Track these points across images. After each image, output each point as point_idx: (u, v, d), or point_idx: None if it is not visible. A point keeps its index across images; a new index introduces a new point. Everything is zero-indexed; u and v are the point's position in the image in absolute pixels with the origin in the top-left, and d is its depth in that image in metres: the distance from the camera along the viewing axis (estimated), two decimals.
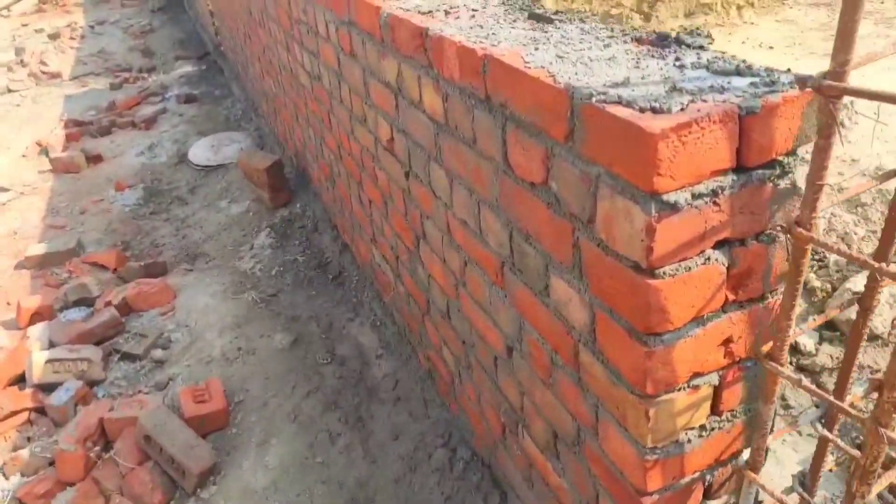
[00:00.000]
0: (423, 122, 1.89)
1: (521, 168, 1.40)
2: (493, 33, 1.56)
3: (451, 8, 1.83)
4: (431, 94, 1.77)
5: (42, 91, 8.18)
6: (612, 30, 1.47)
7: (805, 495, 1.32)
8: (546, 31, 1.54)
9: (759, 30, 7.02)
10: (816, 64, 5.98)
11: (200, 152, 5.45)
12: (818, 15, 7.13)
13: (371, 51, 2.16)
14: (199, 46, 9.28)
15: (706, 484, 1.33)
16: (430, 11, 1.82)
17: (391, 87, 2.08)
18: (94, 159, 5.68)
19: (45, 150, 5.95)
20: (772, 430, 1.22)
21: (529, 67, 1.27)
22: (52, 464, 2.61)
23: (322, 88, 3.07)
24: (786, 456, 2.05)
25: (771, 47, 6.11)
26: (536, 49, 1.39)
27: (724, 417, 1.27)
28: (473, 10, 1.80)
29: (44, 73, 8.77)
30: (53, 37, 10.80)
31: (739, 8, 7.31)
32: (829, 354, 2.34)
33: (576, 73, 1.22)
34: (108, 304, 3.45)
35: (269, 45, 4.19)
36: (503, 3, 1.86)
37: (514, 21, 1.66)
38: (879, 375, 1.17)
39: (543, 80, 1.21)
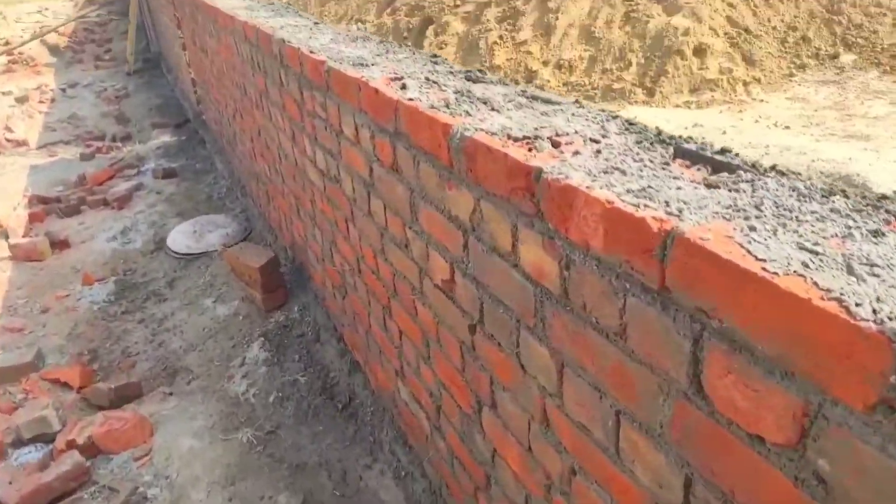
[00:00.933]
0: (515, 281, 1.41)
1: (731, 404, 0.91)
2: (649, 186, 1.09)
3: (559, 135, 1.37)
4: (537, 253, 1.29)
5: (5, 161, 7.59)
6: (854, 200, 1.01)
7: None
8: (732, 189, 1.07)
9: (771, 107, 6.84)
10: (838, 147, 5.78)
11: (180, 238, 4.90)
12: (829, 92, 6.98)
13: (428, 173, 1.69)
14: (178, 113, 8.82)
15: None
16: (527, 138, 1.36)
17: (458, 224, 1.61)
18: (60, 245, 5.09)
19: (4, 233, 5.34)
20: None
21: (811, 292, 0.80)
22: None
23: (340, 192, 2.59)
24: None
25: (787, 127, 5.88)
26: (753, 230, 0.92)
27: None
28: (593, 140, 1.34)
29: (8, 140, 8.19)
30: (21, 100, 10.26)
31: (746, 84, 7.13)
32: None
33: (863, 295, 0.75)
34: (72, 443, 2.84)
35: (267, 129, 3.73)
36: (625, 129, 1.40)
37: (664, 164, 1.20)
38: None
39: (837, 317, 0.73)
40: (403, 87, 1.85)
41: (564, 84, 7.70)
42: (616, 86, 7.31)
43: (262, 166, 4.32)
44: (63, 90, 10.96)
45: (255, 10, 3.92)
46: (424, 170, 1.72)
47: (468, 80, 1.90)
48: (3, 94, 10.95)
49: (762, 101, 7.02)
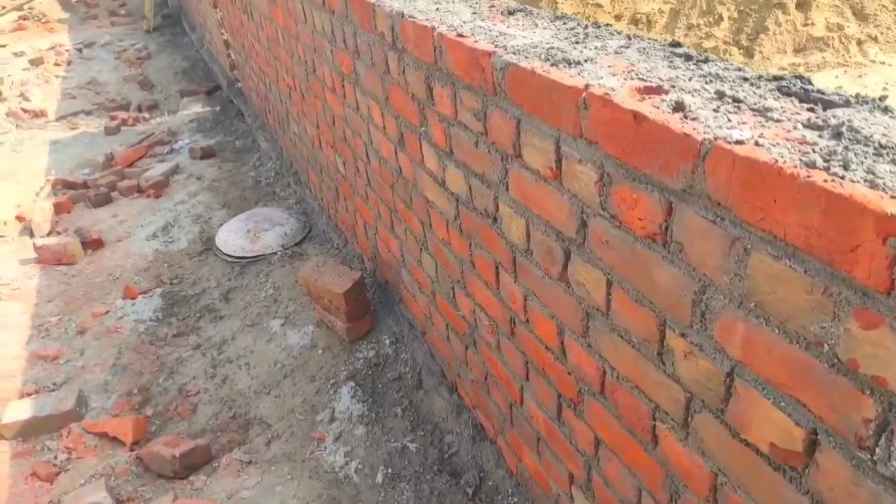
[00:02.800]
0: None
1: None
2: None
3: None
4: None
5: (23, 135, 6.89)
6: None
7: None
8: None
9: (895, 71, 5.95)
10: None
11: (233, 239, 4.21)
12: None
13: (793, 286, 0.97)
14: (208, 78, 8.03)
15: None
16: None
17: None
18: (93, 244, 4.42)
19: (28, 229, 4.69)
20: None
21: None
22: None
23: (493, 232, 1.87)
24: None
25: None
26: None
27: None
28: None
29: (25, 111, 7.48)
30: (36, 62, 9.49)
31: (860, 43, 6.20)
32: None
33: None
34: None
35: (351, 120, 2.99)
36: None
37: None
38: None
39: None
40: (679, 108, 1.12)
41: None
42: (706, 44, 6.41)
43: (331, 159, 3.59)
44: (80, 50, 10.17)
45: None
46: (785, 278, 0.99)
47: (787, 95, 1.15)
48: (16, 55, 10.19)
49: (883, 62, 6.11)
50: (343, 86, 2.92)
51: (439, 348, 2.74)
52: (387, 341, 3.13)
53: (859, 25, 6.19)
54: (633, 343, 1.36)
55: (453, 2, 2.14)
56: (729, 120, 1.06)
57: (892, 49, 6.30)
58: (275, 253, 4.11)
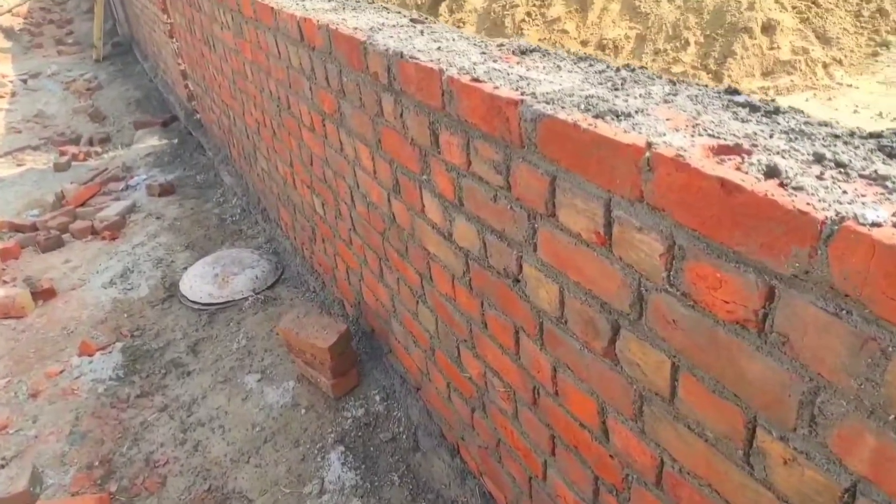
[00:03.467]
0: None
1: None
2: None
3: None
4: None
5: None
6: None
7: None
8: None
9: (863, 94, 5.98)
10: None
11: (199, 284, 3.92)
12: None
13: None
14: (162, 108, 7.71)
15: None
16: None
17: None
18: (44, 294, 4.07)
19: None
20: None
21: None
22: None
23: (503, 287, 1.68)
24: None
25: None
26: None
27: None
28: None
29: None
30: None
31: (826, 66, 6.27)
32: None
33: None
34: None
35: (333, 161, 2.78)
36: None
37: None
38: None
39: None
40: (773, 173, 0.95)
41: None
42: (675, 69, 6.40)
43: (308, 199, 3.36)
44: (24, 81, 9.72)
45: None
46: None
47: (891, 156, 0.99)
48: None
49: (850, 85, 6.19)
50: (324, 125, 2.71)
51: (438, 407, 2.52)
52: (377, 397, 2.90)
53: (823, 49, 6.28)
54: (708, 438, 1.17)
55: (455, 40, 1.96)
56: (844, 192, 0.89)
57: (857, 71, 6.40)
58: (246, 298, 3.85)
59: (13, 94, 9.09)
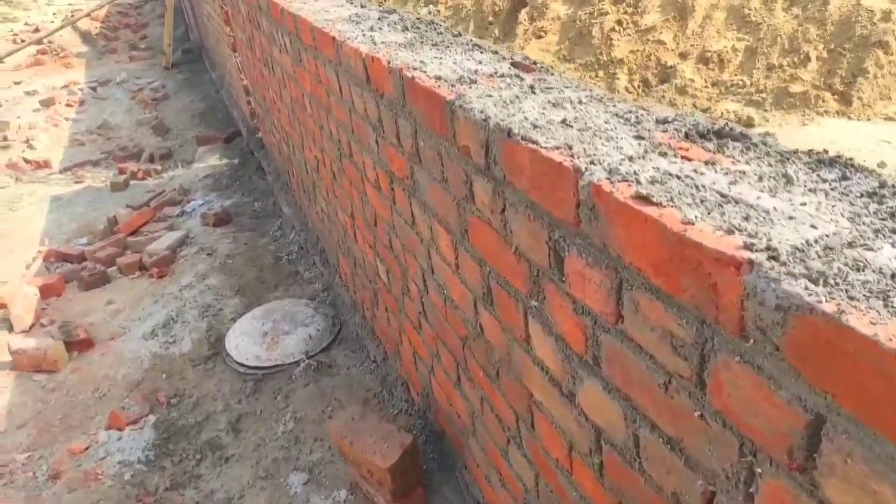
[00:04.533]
0: None
1: None
2: None
3: None
4: None
5: (23, 190, 6.24)
6: None
7: None
8: None
9: None
10: None
11: (246, 344, 3.43)
12: None
13: None
14: (226, 122, 7.37)
15: None
16: None
17: None
18: (81, 345, 3.67)
19: (6, 320, 3.95)
20: None
21: None
22: None
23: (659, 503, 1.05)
24: None
25: None
26: None
27: None
28: None
29: (28, 161, 6.84)
30: (47, 103, 8.94)
31: None
32: None
33: None
34: None
35: (400, 230, 2.20)
36: None
37: None
38: None
39: None
40: None
41: (714, 84, 5.99)
42: (794, 88, 5.56)
43: (370, 259, 2.81)
44: (94, 89, 9.61)
45: (368, 24, 2.36)
46: None
47: None
48: (28, 94, 9.66)
49: None
50: (392, 188, 2.14)
51: None
52: None
53: None
54: None
55: (586, 105, 1.34)
56: None
57: None
58: (297, 363, 3.33)
59: (81, 103, 8.98)
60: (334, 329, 3.57)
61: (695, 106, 5.90)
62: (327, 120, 2.82)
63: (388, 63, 1.81)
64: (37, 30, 13.77)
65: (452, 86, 1.54)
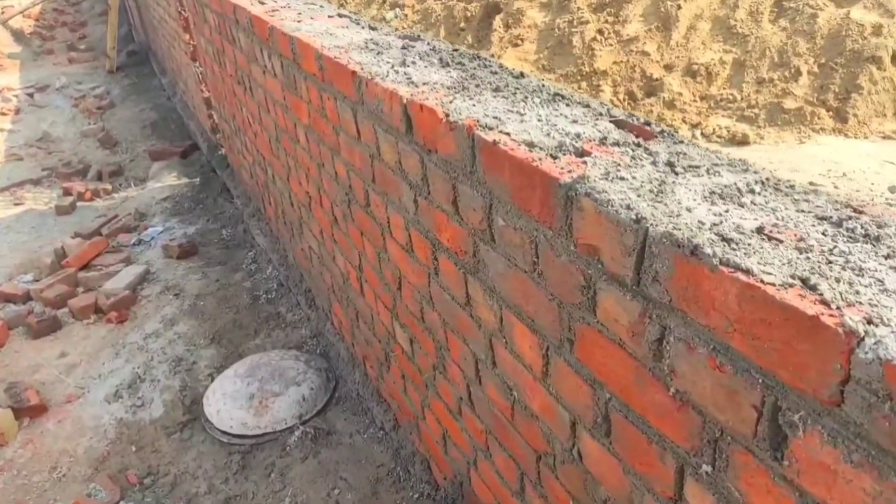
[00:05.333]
0: None
1: None
2: None
3: None
4: None
5: None
6: None
7: None
8: None
9: None
10: None
11: (229, 408, 3.00)
12: None
13: None
14: (181, 134, 6.81)
15: None
16: None
17: None
18: (33, 410, 3.17)
19: None
20: None
21: None
22: None
23: None
24: None
25: None
26: None
27: None
28: None
29: None
30: None
31: None
32: None
33: None
34: None
35: (441, 305, 1.84)
36: None
37: None
38: None
39: None
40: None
41: (703, 98, 5.78)
42: (787, 104, 5.39)
43: (385, 320, 2.43)
44: (30, 95, 8.85)
45: (394, 55, 1.99)
46: None
47: None
48: None
49: None
50: (436, 258, 1.77)
51: None
52: None
53: None
54: None
55: (761, 194, 1.00)
56: None
57: None
58: (290, 429, 2.92)
59: (17, 112, 8.23)
60: (329, 385, 3.16)
61: (684, 121, 5.68)
62: (332, 160, 2.42)
63: (448, 117, 1.44)
64: None
65: (555, 158, 1.19)
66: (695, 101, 5.82)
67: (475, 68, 1.77)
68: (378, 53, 2.02)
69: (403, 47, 2.06)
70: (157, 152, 6.37)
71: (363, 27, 2.45)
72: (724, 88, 5.82)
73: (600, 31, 6.59)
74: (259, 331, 3.65)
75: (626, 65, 6.28)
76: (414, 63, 1.86)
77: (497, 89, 1.59)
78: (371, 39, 2.18)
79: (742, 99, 5.64)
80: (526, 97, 1.49)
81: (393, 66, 1.85)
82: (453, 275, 1.69)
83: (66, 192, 5.73)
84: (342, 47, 2.14)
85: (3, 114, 8.16)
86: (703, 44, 6.13)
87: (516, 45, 7.05)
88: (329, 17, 2.69)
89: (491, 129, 1.34)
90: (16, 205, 5.74)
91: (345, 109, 2.08)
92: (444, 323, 1.86)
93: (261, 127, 3.53)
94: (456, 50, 1.94)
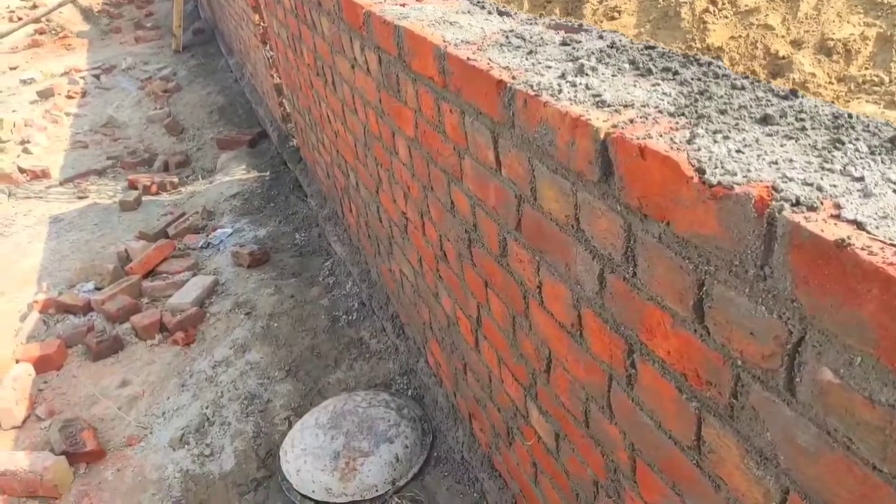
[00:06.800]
0: None
1: None
2: None
3: None
4: None
5: (17, 208, 5.31)
6: None
7: None
8: None
9: None
10: None
11: (311, 466, 2.53)
12: None
13: None
14: (249, 120, 6.39)
15: None
16: None
17: None
18: (89, 456, 2.78)
19: None
20: None
21: None
22: None
23: None
24: None
25: None
26: None
27: None
28: None
29: (23, 170, 5.90)
30: (45, 94, 7.97)
31: None
32: None
33: None
34: None
35: (587, 393, 1.26)
36: None
37: None
38: None
39: None
40: None
41: (841, 80, 4.98)
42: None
43: (514, 393, 1.88)
44: (97, 77, 8.61)
45: (549, 55, 1.41)
46: None
47: None
48: (24, 82, 8.69)
49: None
50: (632, 362, 1.19)
51: None
52: None
53: None
54: None
55: None
56: None
57: None
58: (382, 498, 2.42)
59: (84, 94, 7.99)
60: (426, 441, 2.66)
61: None
62: (447, 186, 1.87)
63: (701, 174, 0.86)
64: (35, 6, 12.70)
65: None
66: (831, 83, 5.00)
67: (699, 78, 1.17)
68: (529, 53, 1.44)
69: (565, 43, 1.47)
70: (225, 141, 5.97)
71: (490, 12, 1.86)
72: (866, 69, 4.98)
73: (713, 2, 5.77)
74: (340, 361, 3.17)
75: (746, 40, 5.47)
76: (594, 70, 1.27)
77: (764, 119, 0.99)
78: (512, 31, 1.60)
79: (891, 81, 4.80)
80: (839, 141, 0.89)
81: (563, 75, 1.27)
82: (671, 401, 1.11)
83: (132, 186, 5.39)
84: (473, 43, 1.56)
85: (70, 97, 7.94)
86: (838, 16, 5.26)
87: (612, 19, 6.30)
88: None
89: (811, 207, 0.75)
90: (79, 198, 5.44)
91: (478, 130, 1.52)
92: (634, 449, 1.29)
93: (344, 127, 3.01)
94: (651, 48, 1.34)
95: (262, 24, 4.75)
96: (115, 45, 10.34)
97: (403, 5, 2.05)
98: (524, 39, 1.54)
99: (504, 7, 1.87)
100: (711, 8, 5.70)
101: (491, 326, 1.90)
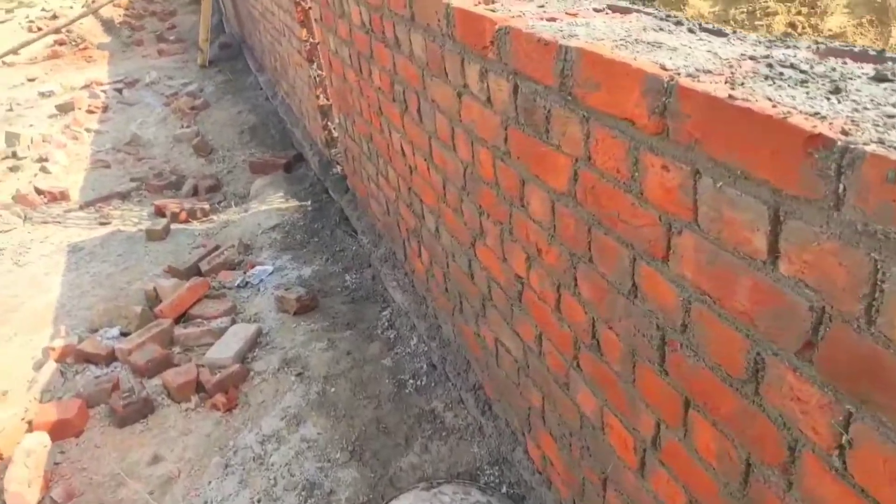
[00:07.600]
0: None
1: None
2: None
3: None
4: None
5: (34, 235, 4.85)
6: None
7: None
8: None
9: None
10: None
11: None
12: None
13: None
14: (283, 141, 5.95)
15: None
16: None
17: None
18: None
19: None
20: None
21: None
22: None
23: None
24: None
25: None
26: None
27: None
28: None
29: (40, 192, 5.45)
30: (65, 109, 7.56)
31: None
32: None
33: None
34: None
35: None
36: None
37: None
38: None
39: None
40: None
41: None
42: None
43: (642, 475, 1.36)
44: (119, 91, 8.21)
45: (822, 85, 0.91)
46: None
47: None
48: (43, 95, 8.29)
49: None
50: None
51: None
52: None
53: None
54: None
55: None
56: None
57: None
58: None
59: (105, 109, 7.58)
60: None
61: None
62: (630, 263, 1.37)
63: None
64: (55, 16, 12.38)
65: None
66: None
67: None
68: (832, 92, 0.95)
69: (883, 78, 0.98)
70: (258, 164, 5.52)
71: (692, 29, 1.38)
72: None
73: (792, 25, 5.31)
74: (412, 439, 2.67)
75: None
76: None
77: None
78: (768, 57, 1.11)
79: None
80: None
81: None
82: None
83: (159, 212, 4.93)
84: (718, 74, 1.08)
85: (91, 111, 7.52)
86: None
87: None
88: (596, 9, 1.64)
89: None
90: (101, 224, 4.98)
91: (738, 202, 1.03)
92: None
93: (427, 164, 2.53)
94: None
95: (309, 39, 4.30)
96: (138, 58, 9.96)
97: (553, 20, 1.58)
98: (800, 71, 1.05)
99: (714, 25, 1.38)
100: (790, 31, 5.23)
101: (681, 452, 1.40)
